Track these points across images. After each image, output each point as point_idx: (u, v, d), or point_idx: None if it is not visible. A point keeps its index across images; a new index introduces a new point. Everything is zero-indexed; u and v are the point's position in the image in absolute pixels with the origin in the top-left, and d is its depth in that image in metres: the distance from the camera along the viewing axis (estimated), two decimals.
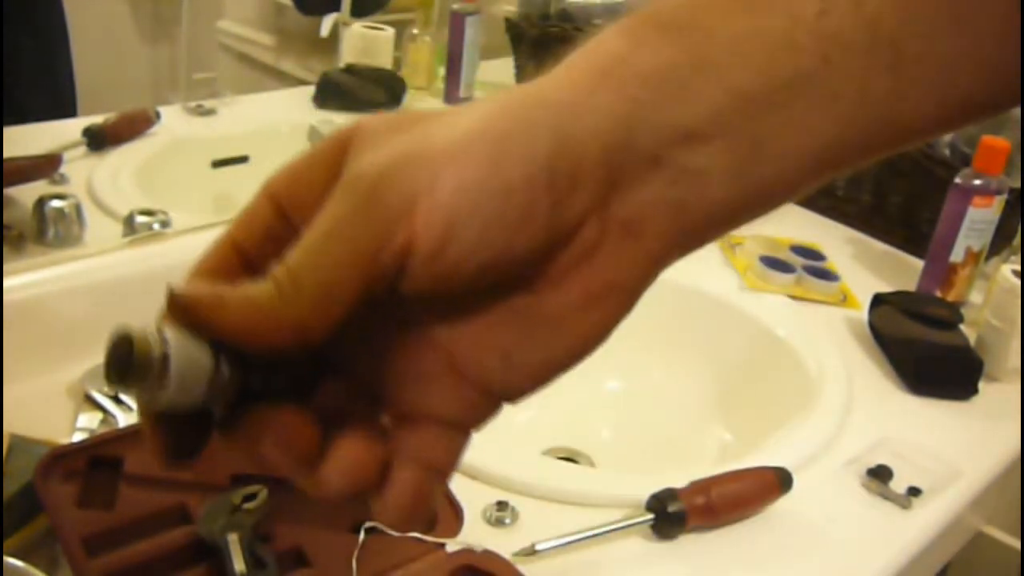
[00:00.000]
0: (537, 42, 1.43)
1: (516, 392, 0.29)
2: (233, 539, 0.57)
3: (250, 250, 0.28)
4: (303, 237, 0.26)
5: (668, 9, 0.27)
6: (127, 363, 0.24)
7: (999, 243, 1.14)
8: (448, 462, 0.29)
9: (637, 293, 0.28)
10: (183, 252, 0.87)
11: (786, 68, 0.26)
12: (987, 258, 1.11)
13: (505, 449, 0.80)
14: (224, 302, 0.25)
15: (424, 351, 0.28)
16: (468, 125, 0.26)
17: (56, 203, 0.88)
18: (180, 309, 0.25)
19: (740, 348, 1.04)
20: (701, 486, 0.72)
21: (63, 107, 1.00)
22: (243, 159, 1.09)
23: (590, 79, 0.27)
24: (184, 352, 0.25)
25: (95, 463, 0.63)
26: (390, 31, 1.35)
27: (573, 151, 0.26)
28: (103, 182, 0.95)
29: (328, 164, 0.28)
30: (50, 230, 0.87)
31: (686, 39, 0.27)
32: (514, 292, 0.28)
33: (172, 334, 0.25)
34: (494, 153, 0.26)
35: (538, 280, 0.27)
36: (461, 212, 0.25)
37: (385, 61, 1.34)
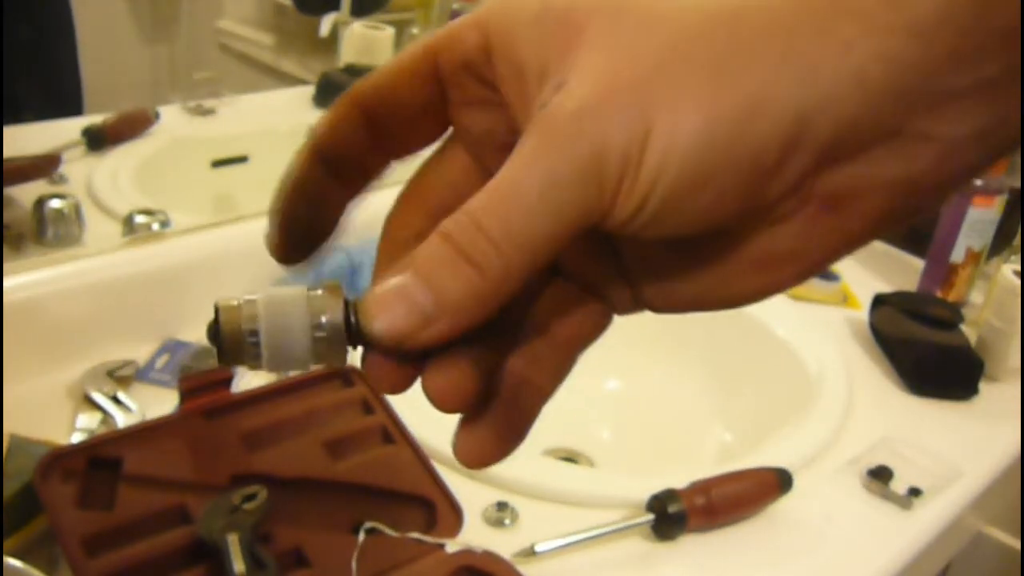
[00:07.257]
0: None
1: (650, 306, 0.27)
2: (233, 539, 0.57)
3: (333, 158, 0.28)
4: (495, 192, 0.22)
5: None
6: (214, 341, 0.24)
7: (999, 243, 1.13)
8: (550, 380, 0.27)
9: (820, 268, 0.25)
10: (183, 252, 0.87)
11: None
12: (987, 258, 1.11)
13: None
14: (429, 320, 0.23)
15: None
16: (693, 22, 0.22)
17: (55, 203, 0.87)
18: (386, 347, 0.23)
19: (740, 348, 1.04)
20: (701, 486, 0.72)
21: (66, 105, 1.00)
22: (243, 159, 1.09)
23: (839, 14, 0.21)
24: (277, 322, 0.24)
25: (95, 463, 0.63)
26: (390, 31, 1.35)
27: (811, 120, 0.21)
28: (103, 182, 0.95)
29: (423, 77, 0.27)
30: (50, 230, 0.87)
31: None
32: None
33: (267, 301, 0.24)
34: (743, 105, 0.21)
35: (720, 233, 0.24)
36: (697, 178, 0.21)
37: (385, 61, 1.34)
